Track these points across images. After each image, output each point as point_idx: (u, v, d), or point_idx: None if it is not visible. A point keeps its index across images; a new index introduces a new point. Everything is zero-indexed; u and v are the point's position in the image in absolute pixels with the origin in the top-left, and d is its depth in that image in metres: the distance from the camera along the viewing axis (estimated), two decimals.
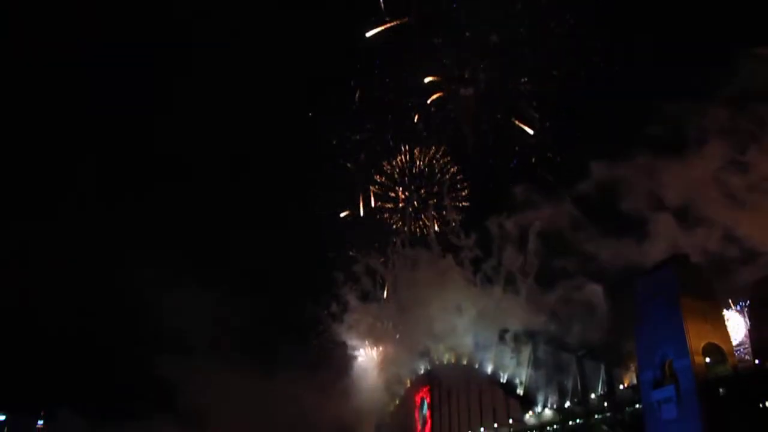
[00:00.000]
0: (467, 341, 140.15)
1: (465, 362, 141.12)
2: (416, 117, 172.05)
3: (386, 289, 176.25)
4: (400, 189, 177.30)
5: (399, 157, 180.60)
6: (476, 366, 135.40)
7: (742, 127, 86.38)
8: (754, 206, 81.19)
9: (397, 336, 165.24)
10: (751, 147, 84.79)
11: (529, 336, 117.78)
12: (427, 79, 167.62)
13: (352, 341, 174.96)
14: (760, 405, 69.11)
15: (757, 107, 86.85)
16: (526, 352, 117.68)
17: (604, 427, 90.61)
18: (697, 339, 74.59)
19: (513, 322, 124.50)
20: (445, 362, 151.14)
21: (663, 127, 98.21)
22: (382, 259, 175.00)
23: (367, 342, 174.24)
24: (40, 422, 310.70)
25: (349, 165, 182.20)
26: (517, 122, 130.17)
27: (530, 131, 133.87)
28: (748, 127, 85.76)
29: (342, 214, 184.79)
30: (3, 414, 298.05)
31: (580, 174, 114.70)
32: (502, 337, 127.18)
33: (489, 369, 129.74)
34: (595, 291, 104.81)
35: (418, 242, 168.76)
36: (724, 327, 77.01)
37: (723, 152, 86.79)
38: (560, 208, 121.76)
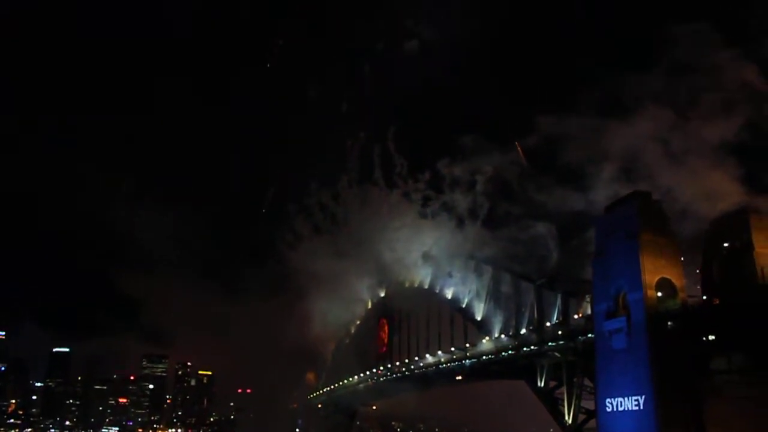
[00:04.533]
0: (425, 268, 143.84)
1: (426, 287, 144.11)
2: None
3: (337, 221, 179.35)
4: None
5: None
6: (437, 291, 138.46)
7: (680, 96, 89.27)
8: (691, 168, 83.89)
9: (352, 264, 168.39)
10: (689, 114, 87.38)
11: (489, 264, 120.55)
12: None
13: (307, 267, 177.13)
14: (704, 338, 72.38)
15: (693, 78, 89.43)
16: (486, 279, 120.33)
17: (557, 354, 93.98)
18: (651, 274, 76.65)
19: (466, 252, 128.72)
20: (406, 286, 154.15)
21: (600, 93, 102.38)
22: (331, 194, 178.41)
23: (322, 268, 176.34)
24: (2, 333, 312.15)
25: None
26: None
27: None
28: (685, 96, 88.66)
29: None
30: None
31: (526, 127, 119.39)
32: (460, 265, 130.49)
33: (449, 294, 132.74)
34: (548, 228, 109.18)
35: (366, 180, 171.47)
36: (679, 263, 79.06)
37: (662, 117, 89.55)
38: (508, 157, 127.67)
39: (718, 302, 73.94)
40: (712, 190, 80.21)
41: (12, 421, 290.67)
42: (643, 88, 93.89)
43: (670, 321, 74.53)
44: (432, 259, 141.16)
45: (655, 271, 76.88)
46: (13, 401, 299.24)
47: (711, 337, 72.15)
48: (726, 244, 77.53)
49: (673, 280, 77.09)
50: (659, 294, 76.35)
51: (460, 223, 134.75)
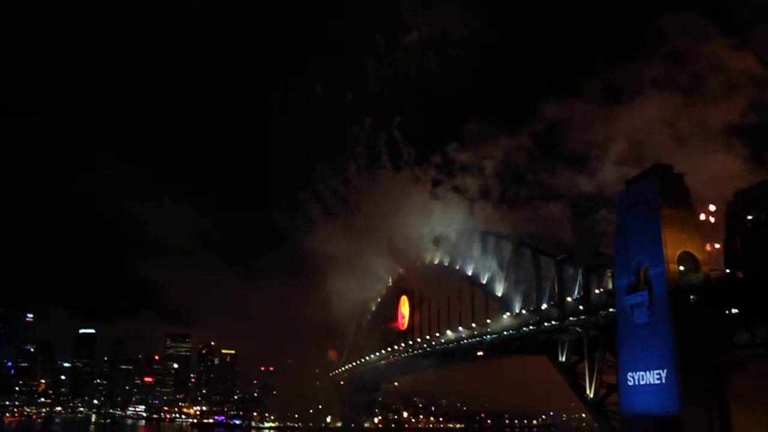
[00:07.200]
0: (441, 247, 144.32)
1: (446, 263, 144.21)
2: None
3: (349, 205, 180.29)
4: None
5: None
6: (457, 267, 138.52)
7: (680, 82, 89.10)
8: (697, 150, 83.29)
9: (368, 244, 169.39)
10: (691, 98, 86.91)
11: (509, 240, 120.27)
12: None
13: (323, 248, 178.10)
14: (727, 312, 71.78)
15: (691, 66, 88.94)
16: (506, 255, 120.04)
17: (578, 329, 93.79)
18: (673, 248, 75.96)
19: (480, 231, 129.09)
20: (426, 263, 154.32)
21: (601, 81, 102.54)
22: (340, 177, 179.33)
23: (338, 249, 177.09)
24: (30, 315, 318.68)
25: None
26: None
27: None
28: (685, 82, 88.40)
29: None
30: None
31: (532, 113, 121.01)
32: (479, 242, 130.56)
33: (470, 271, 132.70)
34: (561, 208, 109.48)
35: (374, 165, 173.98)
36: (701, 236, 78.25)
37: (665, 102, 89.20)
38: (515, 142, 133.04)
39: (741, 275, 72.81)
40: (718, 170, 79.42)
41: (42, 400, 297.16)
42: (642, 76, 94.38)
43: (693, 295, 73.79)
44: (445, 240, 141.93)
45: (677, 245, 76.12)
46: (43, 381, 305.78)
47: (734, 311, 71.60)
48: (750, 217, 76.38)
49: (696, 254, 76.28)
50: (681, 268, 75.62)
51: (472, 203, 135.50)
